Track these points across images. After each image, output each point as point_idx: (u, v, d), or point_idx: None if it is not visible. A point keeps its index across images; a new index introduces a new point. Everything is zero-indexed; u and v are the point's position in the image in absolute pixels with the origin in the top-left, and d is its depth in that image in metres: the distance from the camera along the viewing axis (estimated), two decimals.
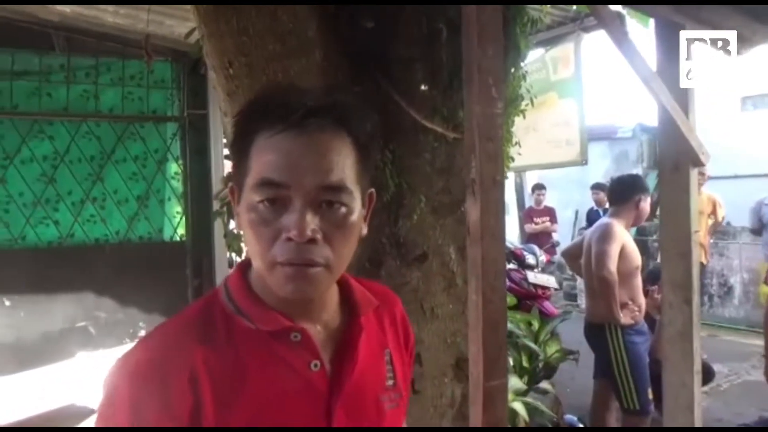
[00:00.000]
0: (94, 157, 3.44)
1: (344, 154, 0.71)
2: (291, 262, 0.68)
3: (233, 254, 3.61)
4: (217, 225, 3.62)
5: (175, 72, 3.61)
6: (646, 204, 3.32)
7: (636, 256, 3.25)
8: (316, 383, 0.76)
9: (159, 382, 0.68)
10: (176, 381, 0.68)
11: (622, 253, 3.18)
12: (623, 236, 3.23)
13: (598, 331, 3.21)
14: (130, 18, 3.05)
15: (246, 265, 0.80)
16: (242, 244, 3.45)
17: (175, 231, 3.66)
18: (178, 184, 3.69)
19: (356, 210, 0.73)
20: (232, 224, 3.57)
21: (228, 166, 3.30)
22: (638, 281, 3.26)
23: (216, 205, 3.63)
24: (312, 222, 0.68)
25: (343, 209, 0.71)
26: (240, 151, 0.73)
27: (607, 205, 4.52)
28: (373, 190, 0.80)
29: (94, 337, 3.35)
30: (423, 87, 1.85)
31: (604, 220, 3.42)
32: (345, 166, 0.71)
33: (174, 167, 3.67)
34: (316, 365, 0.76)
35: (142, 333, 3.44)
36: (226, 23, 1.66)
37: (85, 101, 3.44)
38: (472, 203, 1.47)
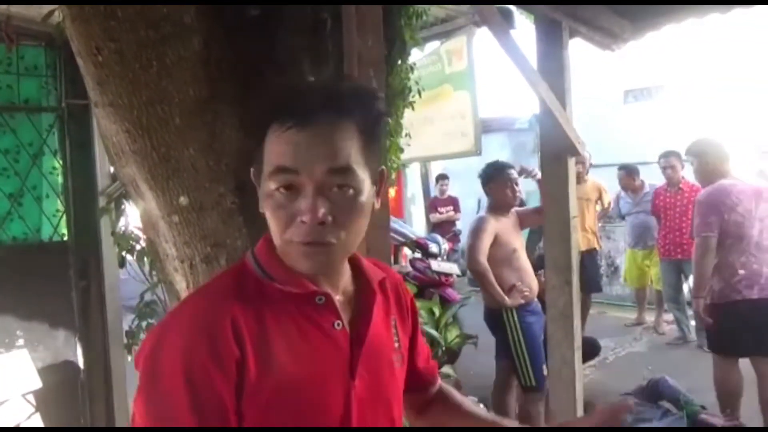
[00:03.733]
0: None
1: (348, 139, 0.78)
2: (305, 242, 0.78)
3: (124, 252, 3.41)
4: (104, 223, 3.39)
5: (50, 58, 3.31)
6: (498, 189, 3.48)
7: (510, 240, 3.39)
8: (339, 341, 0.86)
9: (208, 333, 0.75)
10: (222, 333, 0.75)
11: (497, 241, 3.33)
12: (494, 226, 3.37)
13: (496, 315, 3.36)
14: None
15: (270, 237, 0.88)
16: (132, 242, 3.27)
17: (56, 230, 3.38)
18: (57, 180, 3.41)
19: (365, 189, 0.81)
20: (122, 221, 3.38)
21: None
22: (522, 263, 3.41)
23: (102, 202, 3.41)
24: (323, 206, 0.76)
25: (351, 191, 0.79)
26: (257, 143, 0.82)
27: None
28: (384, 168, 0.88)
29: None
30: (309, 78, 1.82)
31: (480, 214, 3.59)
32: (350, 150, 0.78)
33: (52, 161, 3.38)
34: (338, 324, 0.86)
35: (21, 342, 3.16)
36: (91, 5, 1.53)
37: None
38: None
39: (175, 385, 0.72)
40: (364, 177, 0.80)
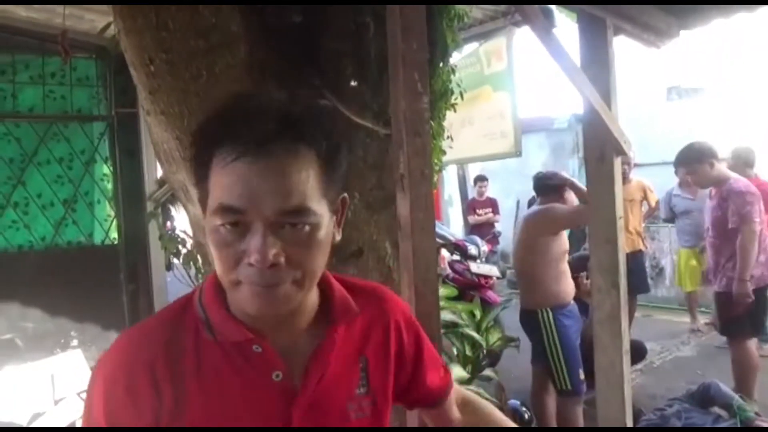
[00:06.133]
0: (14, 159, 3.25)
1: (305, 172, 0.68)
2: (255, 284, 0.69)
3: (171, 256, 3.52)
4: (152, 227, 3.51)
5: (101, 69, 3.45)
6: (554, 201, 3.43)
7: (565, 240, 3.34)
8: (275, 394, 0.77)
9: (126, 380, 0.73)
10: (140, 382, 0.72)
11: (556, 239, 3.27)
12: None
13: (531, 317, 3.28)
14: (45, 12, 2.88)
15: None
16: (179, 246, 3.36)
17: (107, 235, 3.51)
18: (108, 186, 3.54)
19: (323, 225, 0.71)
20: (168, 225, 3.48)
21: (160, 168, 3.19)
22: (565, 265, 3.34)
23: (150, 207, 3.52)
24: (274, 246, 0.67)
25: (307, 228, 0.69)
26: (199, 171, 0.71)
27: None
28: (345, 195, 0.78)
29: (22, 349, 3.18)
30: (353, 83, 1.85)
31: (534, 208, 3.49)
32: (306, 185, 0.68)
33: (103, 168, 3.52)
34: (278, 376, 0.77)
35: (75, 343, 3.30)
36: (144, 18, 1.59)
37: (2, 101, 3.24)
38: (401, 198, 1.48)
39: (99, 419, 0.74)
40: (321, 212, 0.71)
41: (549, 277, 3.24)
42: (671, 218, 6.06)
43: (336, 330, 0.82)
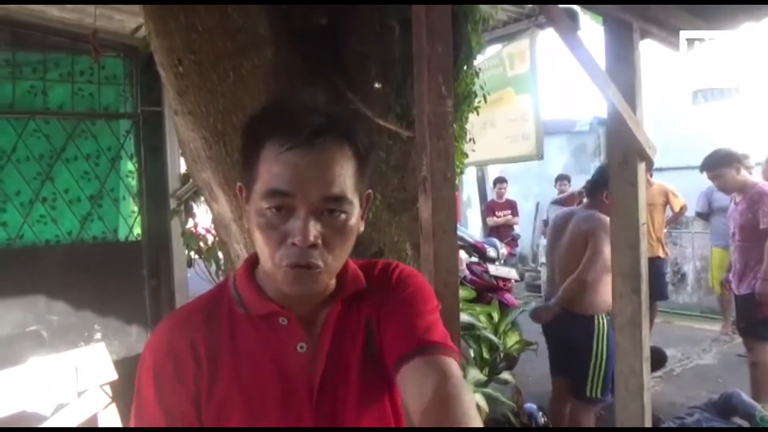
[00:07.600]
0: (43, 155, 3.32)
1: (345, 166, 0.78)
2: (295, 265, 0.77)
3: (192, 253, 3.56)
4: (175, 224, 3.56)
5: (128, 68, 3.51)
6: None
7: None
8: (301, 364, 0.84)
9: (171, 354, 0.83)
10: (183, 355, 0.82)
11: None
12: None
13: (585, 322, 3.10)
14: (77, 12, 2.94)
15: (253, 258, 0.90)
16: (200, 243, 3.41)
17: (131, 230, 3.57)
18: (133, 183, 3.60)
19: (354, 215, 0.81)
20: (190, 223, 3.53)
21: (183, 165, 3.24)
22: None
23: (173, 204, 3.57)
24: (314, 229, 0.76)
25: (343, 216, 0.79)
26: (249, 158, 0.80)
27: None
28: (370, 191, 0.88)
29: (47, 341, 3.25)
30: (377, 85, 1.86)
31: (587, 211, 3.24)
32: (346, 177, 0.78)
33: (128, 165, 3.58)
34: (302, 347, 0.85)
35: (98, 336, 3.36)
36: (174, 19, 1.62)
37: (33, 98, 3.31)
38: (424, 200, 1.49)
39: (149, 397, 0.82)
40: (354, 202, 0.80)
41: (606, 281, 2.98)
42: (707, 214, 5.92)
43: (343, 300, 0.89)
